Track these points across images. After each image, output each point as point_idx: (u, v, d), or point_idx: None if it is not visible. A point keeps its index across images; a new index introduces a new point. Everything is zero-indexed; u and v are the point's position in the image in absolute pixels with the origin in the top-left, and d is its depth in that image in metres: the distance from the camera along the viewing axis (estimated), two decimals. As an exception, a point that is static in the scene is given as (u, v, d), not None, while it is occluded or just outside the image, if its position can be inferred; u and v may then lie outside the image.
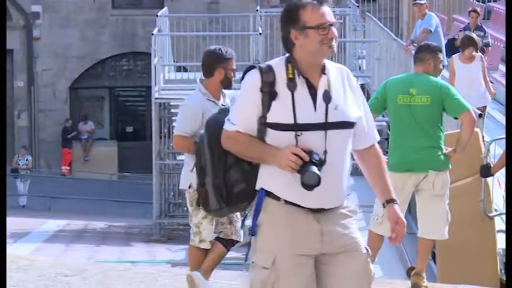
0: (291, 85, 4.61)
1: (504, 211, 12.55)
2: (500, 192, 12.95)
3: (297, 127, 4.57)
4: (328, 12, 4.69)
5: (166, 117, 24.20)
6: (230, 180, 4.73)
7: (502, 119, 17.95)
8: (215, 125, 4.76)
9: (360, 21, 25.76)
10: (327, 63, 4.77)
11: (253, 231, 4.68)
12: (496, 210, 12.47)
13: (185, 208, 23.32)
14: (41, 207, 31.87)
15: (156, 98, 23.63)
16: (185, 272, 9.35)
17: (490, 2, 28.72)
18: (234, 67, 8.82)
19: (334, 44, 4.69)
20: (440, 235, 9.37)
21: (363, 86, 22.69)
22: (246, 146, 4.63)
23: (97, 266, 12.42)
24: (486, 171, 11.74)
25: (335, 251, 4.71)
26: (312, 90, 4.65)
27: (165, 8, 28.62)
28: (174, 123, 18.96)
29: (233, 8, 33.32)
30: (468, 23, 20.14)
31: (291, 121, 4.57)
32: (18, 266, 10.80)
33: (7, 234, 24.60)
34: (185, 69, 26.86)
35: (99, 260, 18.60)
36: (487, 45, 19.42)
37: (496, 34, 23.00)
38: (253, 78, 4.63)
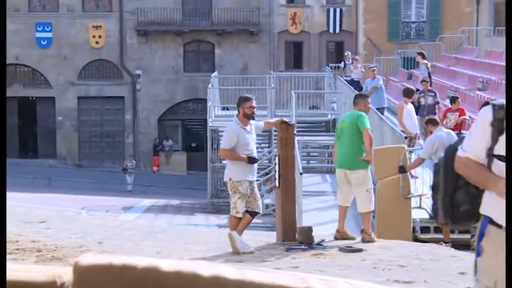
0: None
1: (415, 194, 13.38)
2: (412, 182, 13.37)
3: None
4: None
5: (216, 138, 26.39)
6: (457, 200, 4.13)
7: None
8: (452, 151, 4.13)
9: (333, 80, 29.16)
10: None
11: (477, 252, 4.00)
12: (411, 194, 12.87)
13: (227, 193, 25.04)
14: (141, 191, 34.91)
15: (210, 126, 26.61)
16: (227, 231, 10.08)
17: (412, 69, 31.23)
18: (254, 105, 9.83)
19: None
20: (363, 209, 10.50)
21: (334, 120, 25.51)
22: (473, 171, 3.98)
23: (174, 227, 13.47)
24: (401, 169, 12.46)
25: None
26: None
27: (216, 71, 33.57)
28: (220, 141, 19.57)
29: (256, 71, 38.33)
30: (423, 89, 19.80)
31: None
32: (126, 227, 11.57)
33: (119, 208, 27.39)
34: (227, 109, 29.29)
35: (175, 223, 20.21)
36: (437, 103, 19.17)
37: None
38: (486, 114, 3.91)
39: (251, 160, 9.75)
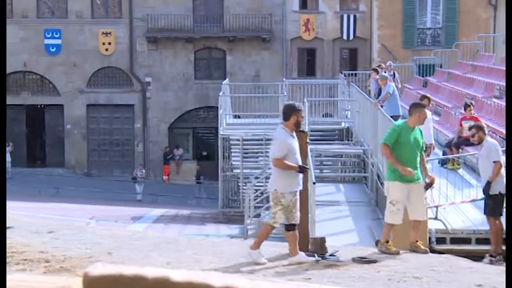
0: None
1: (432, 205, 13.35)
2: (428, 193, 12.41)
3: None
4: None
5: (227, 146, 26.89)
6: None
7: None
8: None
9: (346, 87, 28.98)
10: None
11: None
12: (428, 205, 11.87)
13: (237, 201, 26.54)
14: (150, 201, 35.77)
15: (221, 134, 26.69)
16: (238, 241, 11.28)
17: (428, 76, 32.26)
18: (303, 115, 9.97)
19: None
20: (385, 218, 10.63)
21: (348, 128, 26.00)
22: None
23: (184, 237, 13.32)
24: (487, 187, 12.24)
25: None
26: None
27: (227, 79, 33.90)
28: (232, 149, 22.63)
29: (268, 78, 39.30)
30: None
31: None
32: (136, 237, 11.55)
33: (128, 218, 27.62)
34: (238, 117, 30.10)
35: (186, 233, 20.66)
36: None
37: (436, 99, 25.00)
38: None
39: (301, 168, 9.77)
